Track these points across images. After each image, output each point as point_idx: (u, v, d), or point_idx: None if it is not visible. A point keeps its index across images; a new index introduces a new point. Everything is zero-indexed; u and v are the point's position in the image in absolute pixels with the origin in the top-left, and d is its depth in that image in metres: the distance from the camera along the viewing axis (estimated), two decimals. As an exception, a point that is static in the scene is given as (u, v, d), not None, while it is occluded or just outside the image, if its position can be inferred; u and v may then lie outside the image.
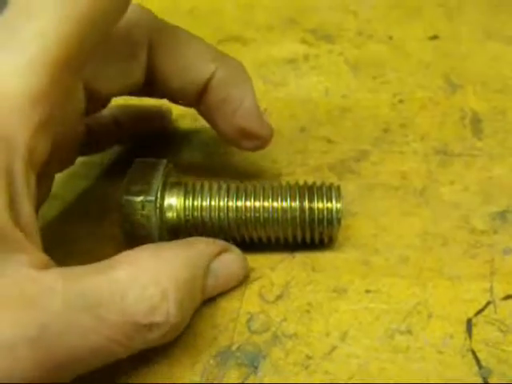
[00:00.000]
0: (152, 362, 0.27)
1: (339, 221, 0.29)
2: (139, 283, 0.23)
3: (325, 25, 0.45)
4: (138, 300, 0.22)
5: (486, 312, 0.27)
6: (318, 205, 0.29)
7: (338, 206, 0.29)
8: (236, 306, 0.29)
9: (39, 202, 0.27)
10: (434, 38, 0.43)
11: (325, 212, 0.29)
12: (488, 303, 0.28)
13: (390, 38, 0.43)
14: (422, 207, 0.32)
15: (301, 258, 0.30)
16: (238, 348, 0.27)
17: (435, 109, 0.37)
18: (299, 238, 0.30)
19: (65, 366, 0.21)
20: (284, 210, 0.29)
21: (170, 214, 0.29)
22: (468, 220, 0.31)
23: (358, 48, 0.42)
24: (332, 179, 0.33)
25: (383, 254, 0.30)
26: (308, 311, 0.28)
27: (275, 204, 0.29)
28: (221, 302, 0.29)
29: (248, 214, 0.29)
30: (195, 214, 0.29)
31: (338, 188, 0.29)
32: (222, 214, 0.29)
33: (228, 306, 0.29)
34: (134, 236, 0.29)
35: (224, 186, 0.29)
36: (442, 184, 0.33)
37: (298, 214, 0.29)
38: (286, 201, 0.29)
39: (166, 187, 0.29)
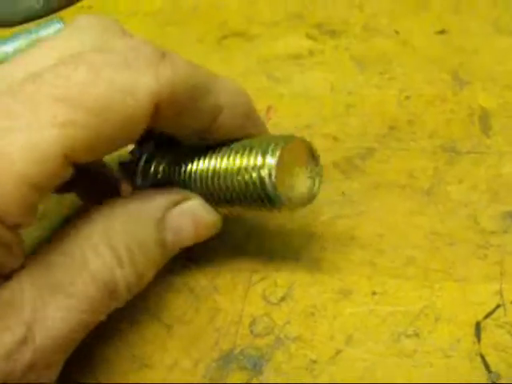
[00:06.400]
0: (151, 367, 0.27)
1: (273, 184, 0.24)
2: (93, 245, 0.23)
3: (330, 19, 0.44)
4: (97, 265, 0.23)
5: (495, 315, 0.27)
6: (249, 162, 0.25)
7: (270, 161, 0.24)
8: (238, 308, 0.28)
9: None
10: (442, 32, 0.42)
11: (256, 171, 0.25)
12: (497, 306, 0.27)
13: (397, 32, 0.42)
14: (429, 206, 0.31)
15: (305, 259, 0.30)
16: (241, 352, 0.27)
17: (443, 105, 0.36)
18: (250, 201, 0.26)
19: (50, 349, 0.22)
20: (226, 170, 0.26)
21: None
22: (476, 219, 0.30)
23: (363, 43, 0.42)
24: (337, 177, 0.33)
25: (389, 254, 0.29)
26: (312, 314, 0.28)
27: (220, 165, 0.26)
28: (222, 303, 0.29)
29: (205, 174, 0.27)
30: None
31: (285, 140, 0.25)
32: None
33: (230, 308, 0.28)
34: None
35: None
36: (450, 182, 0.32)
37: (234, 172, 0.26)
38: (229, 159, 0.26)
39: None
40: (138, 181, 0.28)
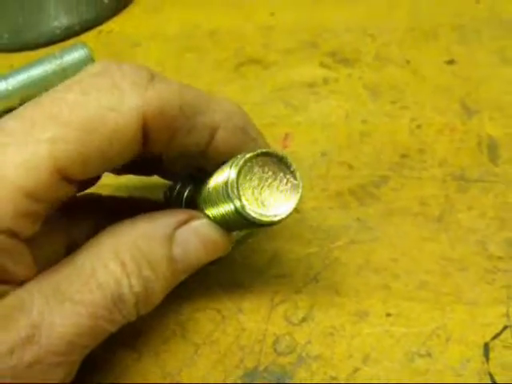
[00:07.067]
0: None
1: (235, 193, 0.25)
2: (101, 259, 0.25)
3: (343, 48, 0.46)
4: (104, 275, 0.25)
5: (502, 336, 0.28)
6: (219, 177, 0.27)
7: (232, 176, 0.25)
8: (262, 328, 0.30)
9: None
10: (451, 62, 0.44)
11: (223, 185, 0.26)
12: (505, 327, 0.29)
13: (408, 62, 0.44)
14: (440, 233, 0.33)
15: (324, 282, 0.31)
16: (265, 369, 0.29)
17: (452, 134, 0.38)
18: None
19: (55, 351, 0.24)
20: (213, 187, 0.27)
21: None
22: (485, 246, 0.32)
23: (376, 72, 0.44)
24: (353, 203, 0.35)
25: (403, 278, 0.31)
26: (332, 334, 0.29)
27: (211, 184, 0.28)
28: (247, 323, 0.30)
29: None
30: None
31: (250, 158, 0.26)
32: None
33: (254, 328, 0.30)
34: None
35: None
36: (460, 210, 0.34)
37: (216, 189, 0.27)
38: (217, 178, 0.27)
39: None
40: (173, 205, 0.31)
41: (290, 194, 0.26)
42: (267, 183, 0.26)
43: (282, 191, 0.26)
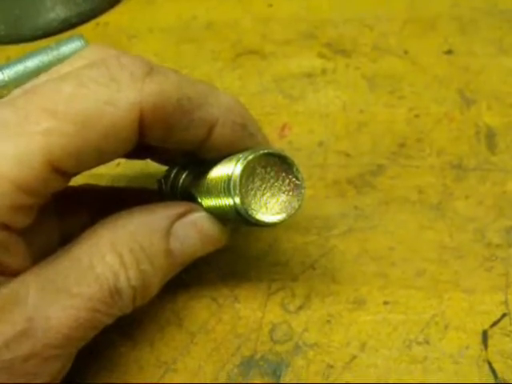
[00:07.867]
0: (176, 372, 0.28)
1: (237, 191, 0.25)
2: (98, 251, 0.25)
3: (341, 39, 0.46)
4: (101, 267, 0.25)
5: (501, 324, 0.28)
6: (222, 172, 0.26)
7: (236, 172, 0.25)
8: (258, 316, 0.30)
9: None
10: (449, 52, 0.43)
11: (226, 180, 0.25)
12: (503, 315, 0.29)
13: (406, 52, 0.44)
14: (438, 221, 0.33)
15: (321, 269, 0.31)
16: (261, 357, 0.28)
17: (450, 123, 0.38)
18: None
19: (51, 344, 0.23)
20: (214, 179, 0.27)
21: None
22: (483, 233, 0.32)
23: (374, 62, 0.43)
24: (350, 192, 0.35)
25: (400, 266, 0.31)
26: (329, 321, 0.29)
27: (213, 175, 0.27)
28: (243, 312, 0.30)
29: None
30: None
31: (253, 159, 0.25)
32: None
33: (251, 316, 0.30)
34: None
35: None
36: (458, 198, 0.34)
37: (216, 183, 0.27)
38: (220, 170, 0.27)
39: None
40: (167, 193, 0.30)
41: (292, 194, 0.26)
42: (269, 184, 0.26)
43: (284, 192, 0.26)
